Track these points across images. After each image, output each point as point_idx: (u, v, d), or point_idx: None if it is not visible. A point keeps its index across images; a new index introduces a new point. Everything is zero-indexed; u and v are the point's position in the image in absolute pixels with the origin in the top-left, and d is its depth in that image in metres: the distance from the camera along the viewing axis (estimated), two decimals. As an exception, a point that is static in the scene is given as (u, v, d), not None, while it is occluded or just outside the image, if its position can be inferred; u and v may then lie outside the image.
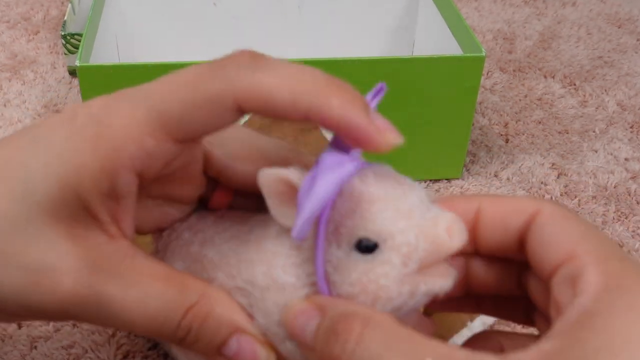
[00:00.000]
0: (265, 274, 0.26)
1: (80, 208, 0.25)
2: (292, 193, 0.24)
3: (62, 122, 0.25)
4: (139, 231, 0.30)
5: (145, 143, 0.25)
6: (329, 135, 0.50)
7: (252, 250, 0.26)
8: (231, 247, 0.27)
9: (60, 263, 0.24)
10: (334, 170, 0.23)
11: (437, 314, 0.41)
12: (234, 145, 0.29)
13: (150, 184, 0.27)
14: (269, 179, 0.24)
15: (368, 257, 0.24)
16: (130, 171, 0.25)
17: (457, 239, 0.24)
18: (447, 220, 0.24)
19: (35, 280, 0.24)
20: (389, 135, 0.24)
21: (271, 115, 0.24)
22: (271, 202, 0.25)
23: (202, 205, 0.31)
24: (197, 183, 0.30)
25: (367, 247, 0.24)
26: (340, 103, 0.24)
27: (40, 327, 0.41)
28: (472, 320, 0.40)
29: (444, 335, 0.39)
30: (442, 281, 0.24)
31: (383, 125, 0.24)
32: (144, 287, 0.25)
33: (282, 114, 0.24)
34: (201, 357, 0.29)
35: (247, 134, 0.31)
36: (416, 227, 0.24)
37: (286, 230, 0.25)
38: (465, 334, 0.40)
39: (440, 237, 0.24)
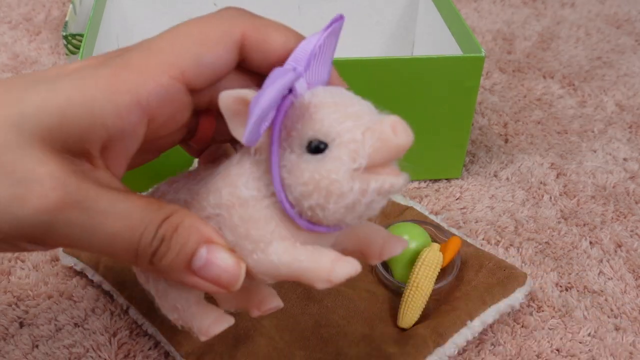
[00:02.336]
0: (230, 193, 0.27)
1: (78, 140, 0.26)
2: (244, 107, 0.26)
3: (70, 67, 0.26)
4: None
5: (163, 81, 0.26)
6: None
7: (219, 180, 0.28)
8: (202, 186, 0.29)
9: (48, 177, 0.25)
10: (278, 78, 0.25)
11: (436, 313, 0.42)
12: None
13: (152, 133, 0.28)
14: (227, 99, 0.25)
15: (319, 156, 0.25)
16: (142, 109, 0.26)
17: (402, 135, 0.25)
18: (392, 119, 0.25)
19: (21, 193, 0.25)
20: None
21: (263, 56, 0.28)
22: (230, 122, 0.26)
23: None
24: (183, 131, 0.31)
25: (317, 148, 0.25)
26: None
27: (42, 327, 0.42)
28: (471, 319, 0.40)
29: (443, 334, 0.39)
30: (393, 179, 0.25)
31: None
32: (128, 202, 0.26)
33: (273, 54, 0.28)
34: (172, 286, 0.30)
35: None
36: (363, 126, 0.25)
37: (247, 152, 0.27)
38: (464, 333, 0.40)
39: (386, 133, 0.25)
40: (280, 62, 0.28)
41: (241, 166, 0.27)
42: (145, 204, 0.27)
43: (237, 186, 0.27)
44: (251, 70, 0.29)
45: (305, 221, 0.26)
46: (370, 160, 0.25)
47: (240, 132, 0.26)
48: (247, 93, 0.25)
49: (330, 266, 0.26)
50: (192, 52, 0.27)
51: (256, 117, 0.24)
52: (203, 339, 0.29)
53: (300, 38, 0.29)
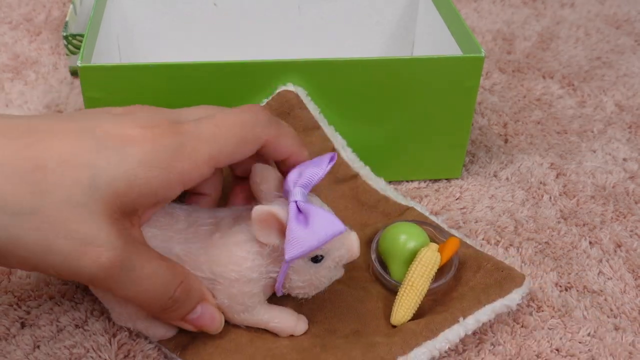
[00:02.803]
0: (236, 272, 0.37)
1: (133, 204, 0.33)
2: (273, 220, 0.36)
3: (130, 132, 0.34)
4: None
5: (203, 170, 0.35)
6: (330, 134, 0.50)
7: (223, 254, 0.37)
8: (194, 246, 0.37)
9: (104, 241, 0.32)
10: (330, 231, 0.35)
11: (430, 312, 0.42)
12: None
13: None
14: (260, 212, 0.35)
15: (318, 264, 0.37)
16: (183, 187, 0.35)
17: (358, 252, 0.38)
18: (356, 237, 0.38)
19: (82, 250, 0.31)
20: None
21: (272, 154, 0.39)
22: (258, 228, 0.36)
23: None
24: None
25: (318, 259, 0.37)
26: (307, 155, 0.40)
27: (43, 327, 0.42)
28: (464, 317, 0.40)
29: (434, 329, 0.39)
30: (342, 272, 0.40)
31: None
32: (153, 266, 0.34)
33: (279, 155, 0.39)
34: (136, 309, 0.39)
35: None
36: (343, 245, 0.38)
37: (252, 239, 0.37)
38: (457, 329, 0.40)
39: (355, 253, 0.38)
40: (286, 159, 0.40)
41: (247, 251, 0.37)
42: (166, 268, 0.35)
43: (243, 268, 0.37)
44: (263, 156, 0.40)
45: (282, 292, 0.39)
46: (342, 264, 0.39)
47: (263, 237, 0.36)
48: (277, 210, 0.35)
49: (294, 325, 0.40)
50: (230, 150, 0.36)
51: (307, 251, 0.35)
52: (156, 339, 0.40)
53: (300, 144, 0.40)
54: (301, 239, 0.34)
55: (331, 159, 0.38)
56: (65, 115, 0.35)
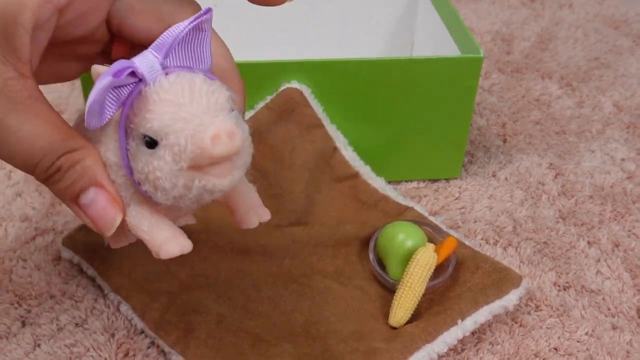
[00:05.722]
0: (102, 153, 0.30)
1: (7, 38, 0.28)
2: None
3: None
4: (42, 81, 0.32)
5: None
6: (332, 133, 0.50)
7: (102, 133, 0.30)
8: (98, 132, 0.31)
9: None
10: (107, 76, 0.27)
11: (428, 313, 0.42)
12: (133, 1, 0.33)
13: (57, 33, 0.30)
14: (93, 72, 0.28)
15: (150, 151, 0.28)
16: (52, 3, 0.29)
17: (220, 147, 0.27)
18: (216, 128, 0.27)
19: None
20: None
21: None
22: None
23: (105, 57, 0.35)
24: (98, 39, 0.33)
25: (148, 143, 0.28)
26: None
27: (43, 326, 0.42)
28: (463, 319, 0.41)
29: (433, 332, 0.40)
30: (216, 180, 0.28)
31: None
32: (35, 126, 0.29)
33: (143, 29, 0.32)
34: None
35: None
36: (187, 131, 0.27)
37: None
38: (455, 331, 0.40)
39: (205, 142, 0.27)
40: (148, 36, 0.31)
41: (115, 130, 0.30)
42: (51, 132, 0.29)
43: (107, 149, 0.30)
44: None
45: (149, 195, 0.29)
46: (192, 163, 0.27)
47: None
48: (100, 69, 0.28)
49: (160, 243, 0.30)
50: None
51: (87, 109, 0.27)
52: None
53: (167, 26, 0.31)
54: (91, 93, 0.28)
55: (202, 14, 0.29)
56: None
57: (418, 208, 0.50)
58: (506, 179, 0.56)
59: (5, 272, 0.45)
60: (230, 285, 0.43)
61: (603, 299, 0.46)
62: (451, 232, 0.48)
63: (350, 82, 0.49)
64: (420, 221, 0.47)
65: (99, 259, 0.44)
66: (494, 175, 0.56)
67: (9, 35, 0.28)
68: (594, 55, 0.75)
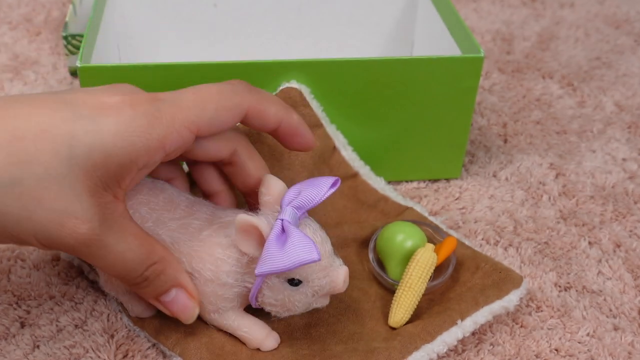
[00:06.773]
0: (213, 272, 0.37)
1: (113, 175, 0.33)
2: (254, 231, 0.36)
3: (104, 101, 0.33)
4: None
5: (184, 134, 0.35)
6: (332, 133, 0.50)
7: (205, 251, 0.38)
8: (182, 236, 0.38)
9: (82, 213, 0.32)
10: (301, 255, 0.34)
11: (428, 313, 0.42)
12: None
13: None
14: (244, 222, 0.35)
15: (294, 287, 0.37)
16: (164, 152, 0.35)
17: (345, 285, 0.37)
18: (344, 273, 0.37)
19: (60, 222, 0.32)
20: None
21: (260, 122, 0.39)
22: (239, 237, 0.36)
23: None
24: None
25: (294, 283, 0.37)
26: (297, 117, 0.40)
27: (43, 327, 0.42)
28: (462, 319, 0.40)
29: (432, 332, 0.39)
30: (324, 301, 0.38)
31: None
32: (127, 243, 0.35)
33: (267, 122, 0.39)
34: (124, 289, 0.40)
35: None
36: (327, 277, 0.37)
37: (233, 245, 0.37)
38: (454, 331, 0.40)
39: (339, 285, 0.37)
40: (272, 125, 0.39)
41: (228, 255, 0.37)
42: (139, 245, 0.35)
43: (221, 271, 0.37)
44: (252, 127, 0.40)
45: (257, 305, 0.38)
46: (324, 294, 0.38)
47: (243, 245, 0.36)
48: (260, 223, 0.35)
49: (260, 341, 0.39)
50: (209, 115, 0.36)
51: (278, 271, 0.35)
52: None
53: (286, 108, 0.39)
54: (274, 257, 0.34)
55: (333, 184, 0.38)
56: (48, 92, 0.35)
57: (418, 208, 0.50)
58: (507, 179, 0.56)
59: (5, 272, 0.45)
60: None
61: (604, 299, 0.45)
62: (451, 232, 0.48)
63: (350, 82, 0.49)
64: (420, 221, 0.47)
65: None
66: (494, 176, 0.56)
67: (124, 171, 0.33)
68: (595, 55, 0.74)
